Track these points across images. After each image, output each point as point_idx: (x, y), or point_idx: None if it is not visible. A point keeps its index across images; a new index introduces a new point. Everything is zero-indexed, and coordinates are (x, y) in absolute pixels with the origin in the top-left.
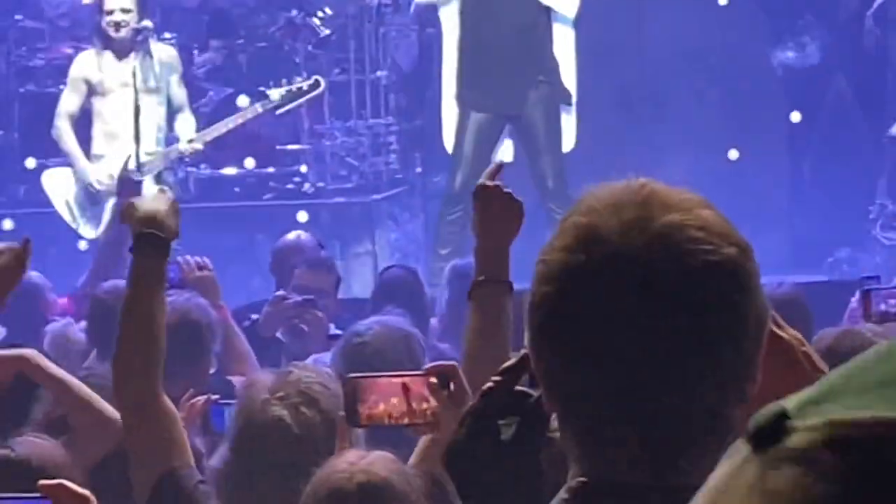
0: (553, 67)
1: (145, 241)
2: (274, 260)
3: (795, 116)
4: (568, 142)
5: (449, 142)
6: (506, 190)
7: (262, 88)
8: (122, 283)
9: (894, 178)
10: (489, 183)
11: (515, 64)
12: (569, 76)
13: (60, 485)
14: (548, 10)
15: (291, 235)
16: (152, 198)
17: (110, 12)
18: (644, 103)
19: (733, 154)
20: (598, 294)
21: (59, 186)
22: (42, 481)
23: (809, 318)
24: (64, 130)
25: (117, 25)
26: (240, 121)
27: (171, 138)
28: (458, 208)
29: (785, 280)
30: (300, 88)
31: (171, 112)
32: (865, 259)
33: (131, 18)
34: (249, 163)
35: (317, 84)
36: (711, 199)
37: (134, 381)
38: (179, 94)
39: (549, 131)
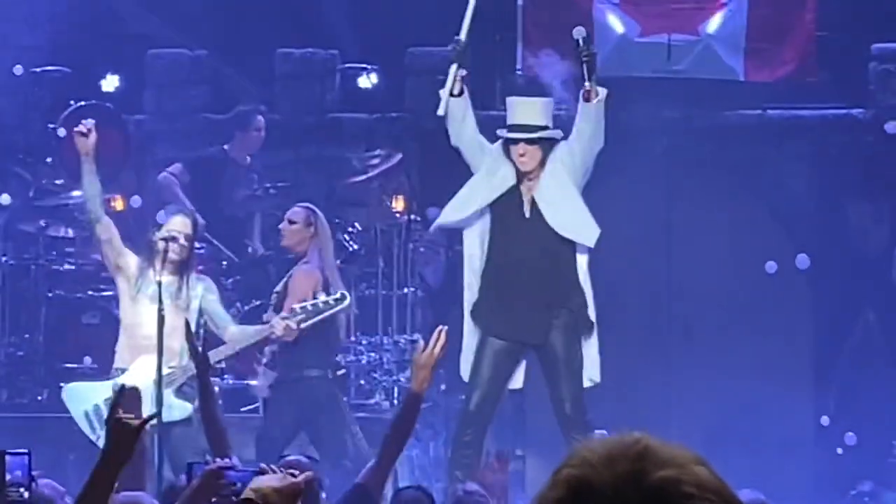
0: (576, 298)
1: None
2: None
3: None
4: (593, 374)
5: (466, 362)
6: None
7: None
8: (133, 496)
9: None
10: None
11: (538, 294)
12: (590, 306)
13: None
14: (570, 241)
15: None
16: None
17: (167, 236)
18: (670, 332)
19: (756, 384)
20: None
21: (77, 399)
22: None
23: None
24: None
25: (168, 244)
26: (267, 334)
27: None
28: (469, 430)
29: None
30: (326, 303)
31: (219, 328)
32: (889, 495)
33: (182, 247)
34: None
35: (342, 298)
36: (733, 426)
37: None
38: (220, 314)
39: (568, 359)
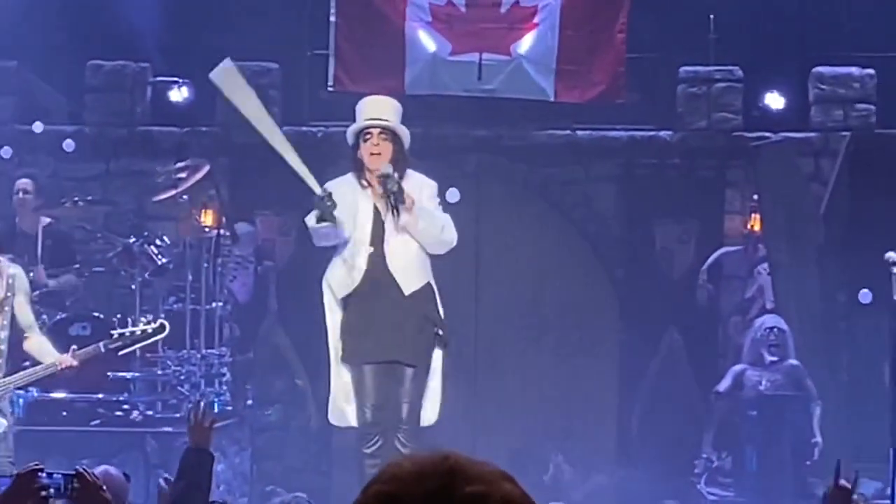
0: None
1: None
2: None
3: None
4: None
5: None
6: None
7: (112, 332)
8: None
9: (721, 433)
10: None
11: (408, 312)
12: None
13: None
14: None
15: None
16: None
17: None
18: (477, 350)
19: (561, 403)
20: None
21: None
22: None
23: None
24: None
25: None
26: (82, 357)
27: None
28: (375, 440)
29: None
30: (144, 331)
31: (20, 332)
32: None
33: None
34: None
35: (162, 328)
36: (539, 446)
37: None
38: (26, 314)
39: (422, 365)
